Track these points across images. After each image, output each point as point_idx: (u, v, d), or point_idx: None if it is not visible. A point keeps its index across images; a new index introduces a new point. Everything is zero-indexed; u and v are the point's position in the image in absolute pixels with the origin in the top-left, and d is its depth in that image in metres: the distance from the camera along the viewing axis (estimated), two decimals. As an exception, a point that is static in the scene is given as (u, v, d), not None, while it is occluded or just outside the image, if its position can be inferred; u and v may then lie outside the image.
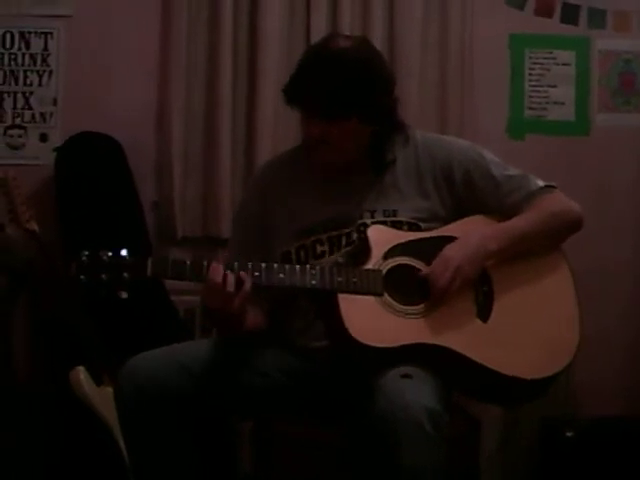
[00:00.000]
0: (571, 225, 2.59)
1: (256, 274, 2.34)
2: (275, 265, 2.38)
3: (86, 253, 2.29)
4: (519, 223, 2.51)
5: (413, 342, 2.32)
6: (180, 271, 2.34)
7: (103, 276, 2.28)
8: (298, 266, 2.40)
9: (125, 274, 2.28)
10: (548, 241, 2.55)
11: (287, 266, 2.40)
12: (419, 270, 2.44)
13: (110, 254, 2.29)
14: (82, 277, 2.28)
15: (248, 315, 2.40)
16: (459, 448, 2.68)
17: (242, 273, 2.32)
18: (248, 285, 2.31)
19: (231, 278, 2.30)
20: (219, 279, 2.29)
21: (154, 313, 3.58)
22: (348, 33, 3.42)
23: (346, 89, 2.41)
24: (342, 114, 2.44)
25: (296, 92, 2.49)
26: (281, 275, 2.36)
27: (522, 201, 2.55)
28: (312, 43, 2.54)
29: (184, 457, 2.43)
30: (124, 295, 2.29)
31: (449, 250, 2.43)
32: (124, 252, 2.30)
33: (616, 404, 3.95)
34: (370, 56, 2.53)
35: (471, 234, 2.48)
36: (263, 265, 2.36)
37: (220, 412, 2.53)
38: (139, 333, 3.40)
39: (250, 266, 2.35)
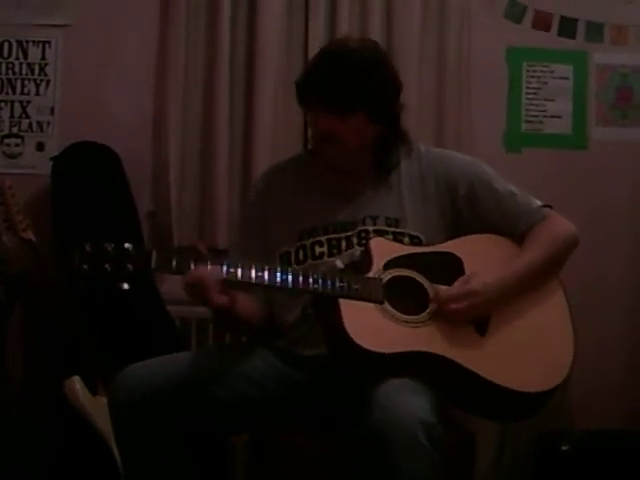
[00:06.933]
0: (573, 248, 2.62)
1: (259, 274, 2.36)
2: (278, 268, 2.40)
3: (89, 243, 2.29)
4: (533, 259, 2.54)
5: (411, 350, 2.33)
6: (184, 265, 2.33)
7: (107, 266, 2.27)
8: (301, 271, 2.42)
9: (129, 265, 2.28)
10: (554, 267, 2.59)
11: (290, 269, 2.42)
12: (419, 282, 2.46)
13: (114, 245, 2.29)
14: (85, 266, 2.27)
15: (240, 305, 2.43)
16: (454, 462, 2.67)
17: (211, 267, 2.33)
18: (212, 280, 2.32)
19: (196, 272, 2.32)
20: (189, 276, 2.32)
21: (150, 323, 3.57)
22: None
23: (357, 83, 2.48)
24: (351, 108, 2.50)
25: (308, 86, 2.55)
26: (284, 277, 2.37)
27: (525, 220, 2.60)
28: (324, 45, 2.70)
29: (178, 468, 2.42)
30: (125, 286, 2.28)
31: (477, 282, 2.44)
32: (128, 245, 2.30)
33: (613, 418, 3.94)
34: (381, 57, 2.62)
35: (500, 273, 2.49)
36: (266, 267, 2.38)
37: (215, 424, 2.52)
38: (134, 343, 3.39)
39: (254, 266, 2.37)
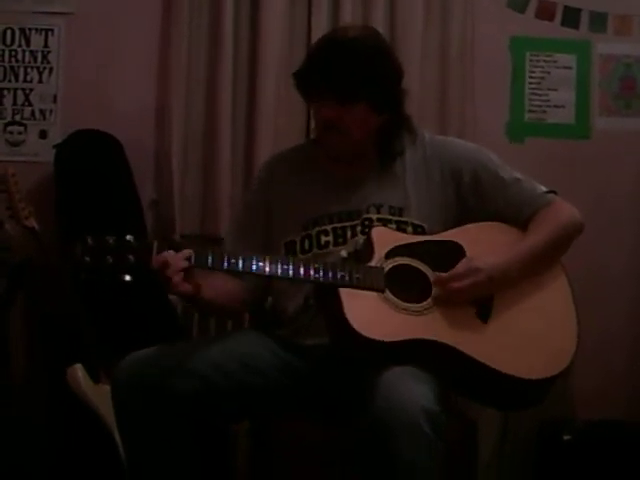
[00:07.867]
0: (577, 234, 2.63)
1: (260, 264, 2.36)
2: (280, 258, 2.42)
3: (91, 236, 2.29)
4: (536, 242, 2.55)
5: (413, 337, 2.33)
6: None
7: (108, 258, 2.27)
8: (302, 261, 2.43)
9: (130, 257, 2.28)
10: (557, 251, 2.59)
11: (292, 259, 2.43)
12: (420, 270, 2.46)
13: (115, 238, 2.29)
14: (87, 258, 2.27)
15: (208, 292, 2.42)
16: (456, 450, 2.68)
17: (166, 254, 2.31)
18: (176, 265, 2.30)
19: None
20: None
21: (151, 312, 3.57)
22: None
23: (358, 72, 2.48)
24: (353, 97, 2.50)
25: (309, 74, 2.55)
26: (285, 267, 2.38)
27: (529, 205, 2.60)
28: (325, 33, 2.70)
29: (180, 456, 2.42)
30: (127, 277, 2.28)
31: (479, 261, 2.46)
32: (129, 237, 2.30)
33: (615, 409, 3.94)
34: (381, 45, 2.61)
35: (503, 255, 2.50)
36: (268, 257, 2.39)
37: (217, 412, 2.52)
38: (136, 331, 3.40)
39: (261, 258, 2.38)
